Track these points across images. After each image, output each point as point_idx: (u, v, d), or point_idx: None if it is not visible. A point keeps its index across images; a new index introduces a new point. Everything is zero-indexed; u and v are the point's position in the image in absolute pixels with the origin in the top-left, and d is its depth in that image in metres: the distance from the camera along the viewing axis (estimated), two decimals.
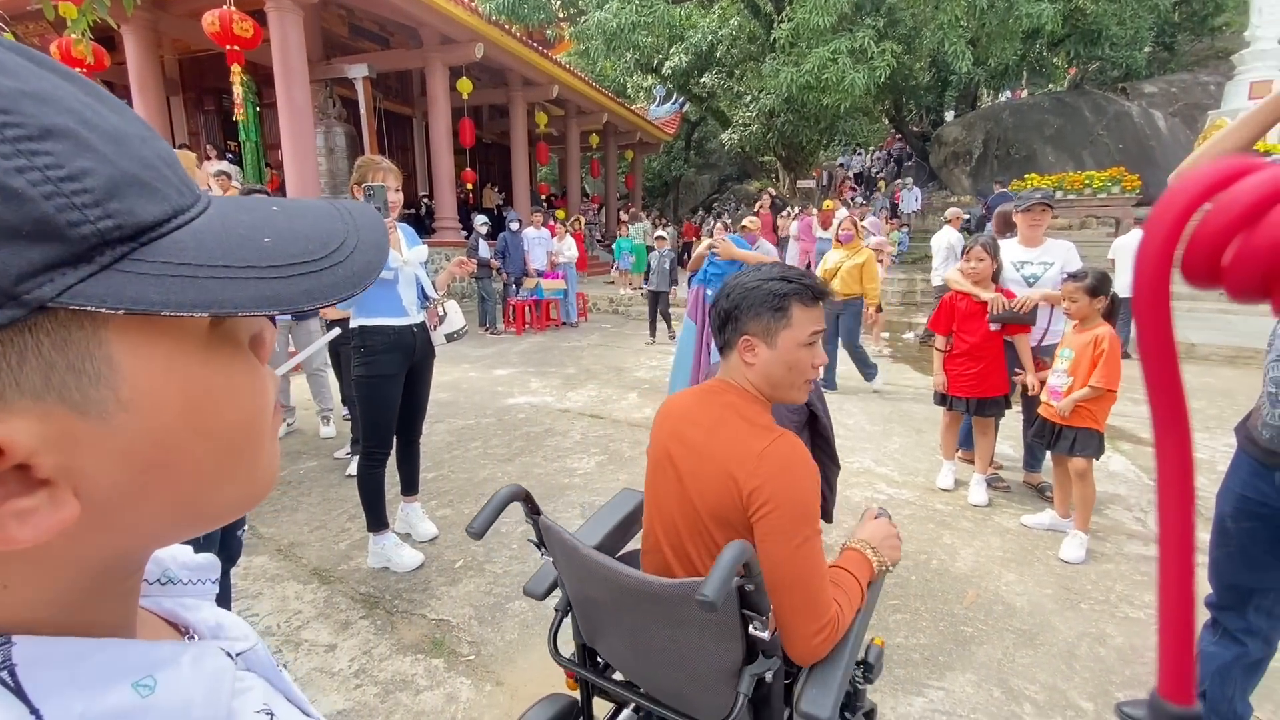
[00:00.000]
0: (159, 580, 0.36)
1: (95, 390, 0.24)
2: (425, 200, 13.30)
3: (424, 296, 2.72)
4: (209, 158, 9.61)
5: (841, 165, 23.01)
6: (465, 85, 10.76)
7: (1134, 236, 7.48)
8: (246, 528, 1.85)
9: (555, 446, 4.19)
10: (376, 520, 2.68)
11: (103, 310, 0.23)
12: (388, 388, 2.60)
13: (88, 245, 0.22)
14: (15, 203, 0.21)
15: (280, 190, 9.37)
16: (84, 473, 0.24)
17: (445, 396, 5.41)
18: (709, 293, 2.98)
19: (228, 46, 7.10)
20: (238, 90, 7.60)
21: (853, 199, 15.81)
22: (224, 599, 1.83)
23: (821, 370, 1.24)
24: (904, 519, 3.12)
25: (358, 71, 10.04)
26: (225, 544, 1.76)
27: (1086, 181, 11.36)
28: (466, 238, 11.01)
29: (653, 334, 8.29)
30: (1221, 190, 0.28)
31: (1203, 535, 1.84)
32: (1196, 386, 5.70)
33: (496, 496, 1.20)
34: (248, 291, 0.25)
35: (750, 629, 0.98)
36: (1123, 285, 7.44)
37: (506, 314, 9.15)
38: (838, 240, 5.65)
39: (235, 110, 7.97)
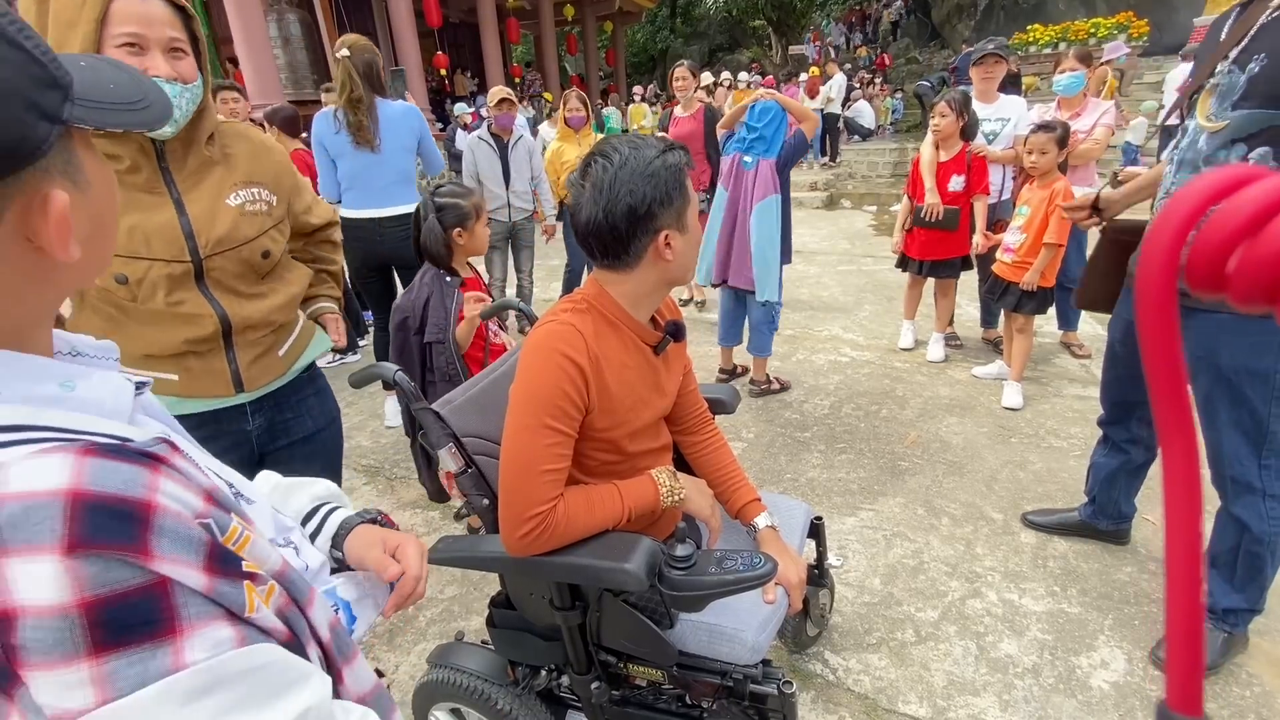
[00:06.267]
0: (70, 353, 0.47)
1: (79, 174, 0.42)
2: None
3: None
4: None
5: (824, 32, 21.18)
6: None
7: (1183, 70, 6.90)
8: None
9: None
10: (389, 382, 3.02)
11: (78, 125, 0.40)
12: None
13: (66, 90, 0.40)
14: (39, 67, 0.38)
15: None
16: (76, 225, 0.40)
17: None
18: (746, 159, 2.86)
19: None
20: None
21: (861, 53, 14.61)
22: None
23: None
24: (863, 377, 3.34)
25: None
26: None
27: (1092, 30, 10.63)
28: (442, 130, 10.55)
29: None
30: (1223, 199, 0.28)
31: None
32: None
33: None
34: (111, 119, 0.42)
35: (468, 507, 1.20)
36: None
37: None
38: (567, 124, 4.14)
39: None
